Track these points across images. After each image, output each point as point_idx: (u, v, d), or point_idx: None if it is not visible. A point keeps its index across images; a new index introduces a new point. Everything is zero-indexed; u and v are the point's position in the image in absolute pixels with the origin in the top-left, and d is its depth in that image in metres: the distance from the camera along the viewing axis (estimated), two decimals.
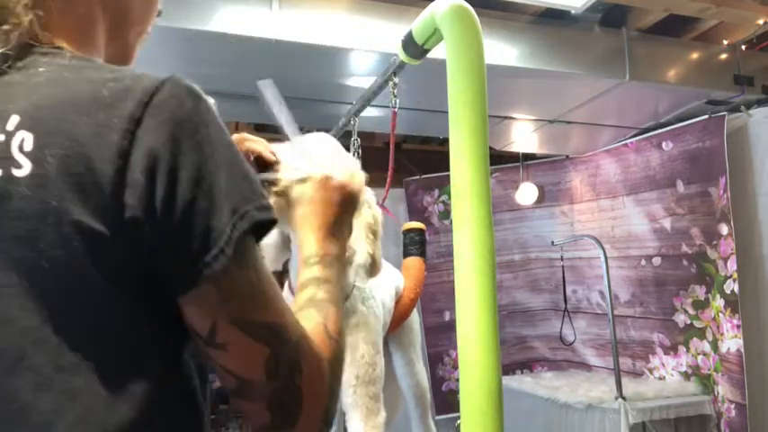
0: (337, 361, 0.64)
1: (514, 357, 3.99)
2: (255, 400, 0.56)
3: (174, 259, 0.51)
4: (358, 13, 2.23)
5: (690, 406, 2.90)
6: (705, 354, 3.04)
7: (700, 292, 3.04)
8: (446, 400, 3.83)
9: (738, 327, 2.76)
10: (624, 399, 2.73)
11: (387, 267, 1.63)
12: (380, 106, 2.36)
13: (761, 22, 2.49)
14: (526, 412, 3.19)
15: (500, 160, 4.00)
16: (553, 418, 3.03)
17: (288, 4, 2.13)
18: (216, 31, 2.03)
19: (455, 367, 3.84)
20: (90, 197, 0.49)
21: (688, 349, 3.14)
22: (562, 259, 3.76)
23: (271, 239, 1.25)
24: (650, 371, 3.39)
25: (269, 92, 0.98)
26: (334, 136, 1.48)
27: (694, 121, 3.02)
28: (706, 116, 2.94)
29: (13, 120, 0.51)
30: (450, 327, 3.82)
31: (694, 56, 2.77)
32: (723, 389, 2.89)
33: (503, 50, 2.41)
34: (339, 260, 0.78)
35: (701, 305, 3.04)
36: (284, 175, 0.88)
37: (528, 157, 4.02)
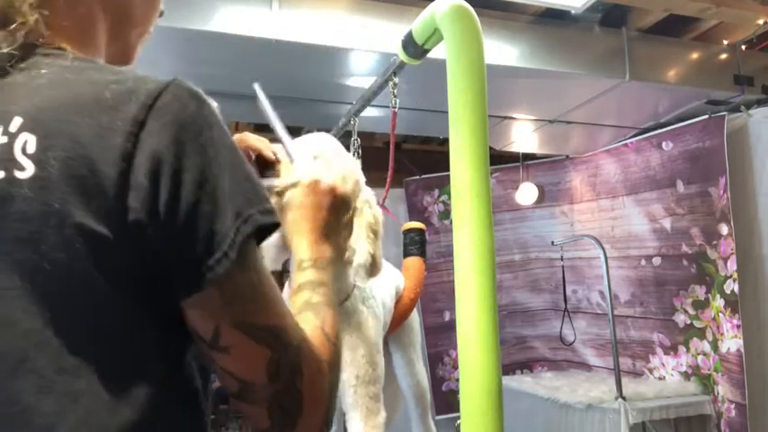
0: (336, 363, 0.64)
1: (514, 357, 3.99)
2: (257, 402, 0.56)
3: (177, 262, 0.51)
4: (358, 13, 2.23)
5: (690, 406, 2.90)
6: (705, 354, 3.04)
7: (700, 292, 3.04)
8: (446, 400, 3.83)
9: (738, 327, 2.76)
10: (624, 399, 2.73)
11: (387, 267, 1.63)
12: (380, 106, 2.36)
13: (761, 22, 2.49)
14: (526, 412, 3.19)
15: (500, 160, 4.00)
16: (553, 418, 3.03)
17: (288, 4, 2.13)
18: (216, 31, 2.03)
19: (455, 367, 3.84)
20: (93, 200, 0.49)
21: (688, 349, 3.14)
22: (562, 259, 3.76)
23: (271, 239, 1.25)
24: (650, 371, 3.39)
25: (263, 95, 0.99)
26: (335, 136, 1.48)
27: (694, 121, 3.02)
28: (706, 116, 2.94)
29: (16, 121, 0.51)
30: (450, 327, 3.82)
31: (694, 56, 2.77)
32: (723, 389, 2.89)
33: (503, 50, 2.41)
34: (333, 262, 0.79)
35: (700, 305, 3.04)
36: (281, 178, 0.89)
37: (528, 157, 4.02)
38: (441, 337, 3.91)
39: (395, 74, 1.61)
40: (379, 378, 1.39)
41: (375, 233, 1.25)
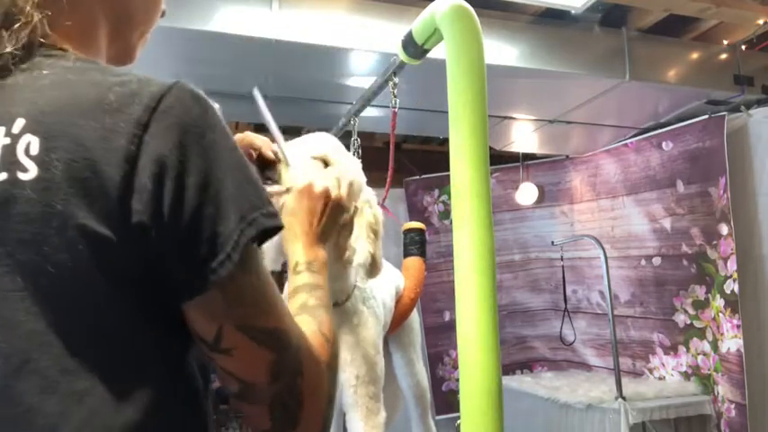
0: (334, 363, 0.65)
1: (514, 357, 3.99)
2: (258, 402, 0.56)
3: (180, 265, 0.51)
4: (358, 13, 2.23)
5: (690, 406, 2.90)
6: (705, 354, 3.04)
7: (700, 292, 3.04)
8: (446, 400, 3.83)
9: (738, 327, 2.76)
10: (624, 399, 2.73)
11: (387, 267, 1.63)
12: (380, 106, 2.36)
13: (761, 22, 2.49)
14: (526, 412, 3.19)
15: (500, 160, 4.00)
16: (553, 418, 3.03)
17: (288, 4, 2.13)
18: (216, 31, 2.03)
19: (455, 367, 3.84)
20: (96, 201, 0.49)
21: (688, 349, 3.14)
22: (562, 259, 3.76)
23: (271, 240, 1.25)
24: (650, 371, 3.39)
25: (261, 99, 1.00)
26: (335, 136, 1.48)
27: (694, 121, 3.02)
28: (706, 116, 2.94)
29: (19, 123, 0.51)
30: (450, 327, 3.82)
31: (694, 56, 2.77)
32: (723, 389, 2.89)
33: (503, 50, 2.41)
34: (327, 265, 0.81)
35: (700, 305, 3.04)
36: (280, 179, 0.90)
37: (528, 157, 4.02)
38: (441, 337, 3.91)
39: (395, 74, 1.61)
40: (379, 378, 1.39)
41: (375, 233, 1.25)
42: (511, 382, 3.37)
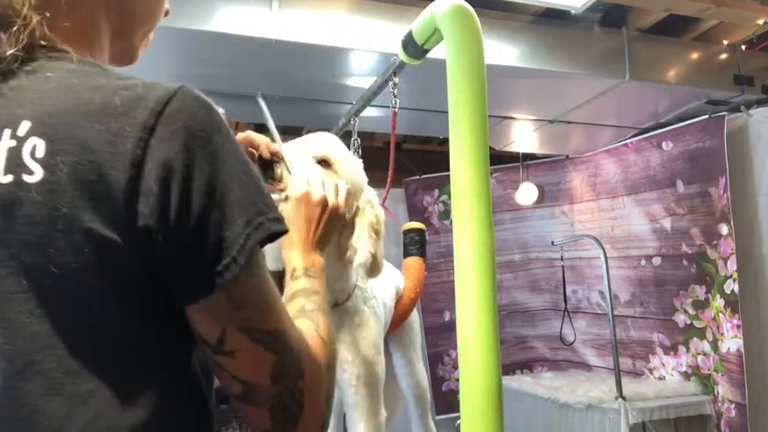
0: (332, 364, 0.66)
1: (514, 357, 3.99)
2: (259, 404, 0.56)
3: (185, 268, 0.51)
4: (358, 13, 2.23)
5: (690, 406, 2.90)
6: (705, 354, 3.04)
7: (700, 292, 3.04)
8: (446, 400, 3.83)
9: (738, 327, 2.76)
10: (624, 399, 2.73)
11: (387, 267, 1.63)
12: (380, 106, 2.36)
13: (761, 22, 2.49)
14: (526, 412, 3.19)
15: (500, 160, 4.00)
16: (553, 418, 3.03)
17: (288, 4, 2.13)
18: (216, 31, 2.03)
19: (455, 367, 3.84)
20: (102, 204, 0.49)
21: (688, 349, 3.14)
22: (562, 259, 3.76)
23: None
24: (650, 371, 3.39)
25: (266, 108, 1.01)
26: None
27: (694, 121, 3.02)
28: (706, 116, 2.94)
29: (24, 125, 0.51)
30: (450, 327, 3.82)
31: (694, 56, 2.77)
32: (723, 389, 2.89)
33: (503, 50, 2.41)
34: (324, 269, 0.83)
35: (700, 305, 3.04)
36: (280, 181, 0.90)
37: (528, 157, 4.02)
38: (441, 337, 3.91)
39: (395, 74, 1.61)
40: (379, 378, 1.39)
41: (377, 233, 1.25)
42: (511, 382, 3.37)
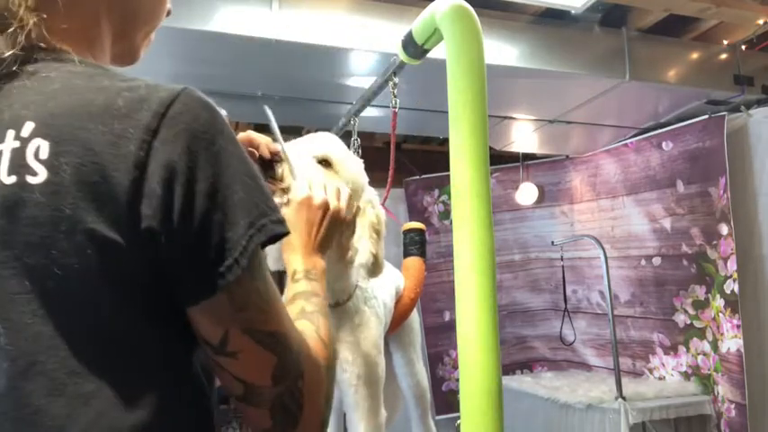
0: (332, 365, 0.67)
1: (514, 357, 3.99)
2: (260, 405, 0.57)
3: (188, 269, 0.51)
4: (358, 13, 2.23)
5: (690, 406, 2.90)
6: (705, 354, 3.04)
7: (700, 292, 3.04)
8: (446, 400, 3.83)
9: (738, 327, 2.76)
10: (624, 399, 2.73)
11: (387, 267, 1.63)
12: (380, 106, 2.36)
13: (761, 22, 2.49)
14: (526, 412, 3.19)
15: (500, 160, 4.00)
16: (553, 418, 3.03)
17: (288, 4, 2.13)
18: (216, 31, 2.03)
19: (455, 367, 3.84)
20: (105, 206, 0.49)
21: (688, 349, 3.14)
22: (562, 259, 3.76)
23: None
24: (650, 371, 3.39)
25: (273, 117, 1.02)
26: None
27: (694, 121, 3.02)
28: (706, 116, 2.94)
29: (28, 126, 0.51)
30: (450, 327, 3.82)
31: (694, 56, 2.77)
32: (723, 389, 2.89)
33: (503, 50, 2.41)
34: (325, 272, 0.83)
35: (700, 305, 3.04)
36: (282, 181, 0.91)
37: (528, 157, 4.02)
38: (441, 337, 3.91)
39: (395, 74, 1.61)
40: (380, 378, 1.39)
41: (378, 233, 1.26)
42: (511, 382, 3.37)
